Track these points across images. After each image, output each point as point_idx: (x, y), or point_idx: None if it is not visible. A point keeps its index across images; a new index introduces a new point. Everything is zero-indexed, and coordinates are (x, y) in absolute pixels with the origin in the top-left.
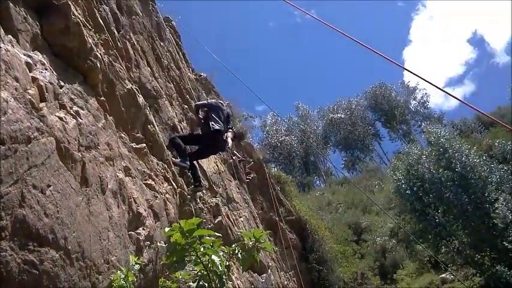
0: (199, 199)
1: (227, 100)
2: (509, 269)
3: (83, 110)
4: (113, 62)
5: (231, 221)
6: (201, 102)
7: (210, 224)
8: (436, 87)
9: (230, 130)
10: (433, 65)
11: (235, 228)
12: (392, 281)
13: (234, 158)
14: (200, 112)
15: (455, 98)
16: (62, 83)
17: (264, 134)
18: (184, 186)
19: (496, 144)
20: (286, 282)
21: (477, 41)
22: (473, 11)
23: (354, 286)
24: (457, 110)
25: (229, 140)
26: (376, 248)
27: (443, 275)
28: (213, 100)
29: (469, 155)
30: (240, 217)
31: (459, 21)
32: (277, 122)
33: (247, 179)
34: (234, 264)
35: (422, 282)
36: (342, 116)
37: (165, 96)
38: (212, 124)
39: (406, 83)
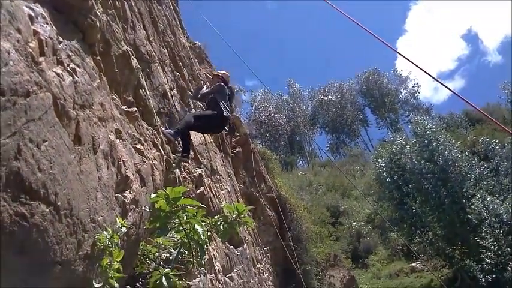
0: (184, 168)
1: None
2: (478, 263)
3: (79, 68)
4: (111, 22)
5: (212, 192)
6: (207, 90)
7: (192, 194)
8: (429, 75)
9: None
10: (426, 57)
11: (216, 200)
12: (364, 265)
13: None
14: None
15: (448, 88)
16: (61, 39)
17: (253, 109)
18: (171, 153)
19: (480, 141)
20: (260, 257)
21: (471, 38)
22: (470, 7)
23: (325, 267)
24: (445, 104)
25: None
26: (351, 232)
27: (413, 264)
28: (217, 84)
29: (452, 149)
30: (222, 190)
31: (455, 16)
32: (267, 99)
33: (232, 152)
34: (213, 235)
35: (392, 269)
36: (332, 99)
37: (158, 61)
38: (222, 110)
39: (398, 71)
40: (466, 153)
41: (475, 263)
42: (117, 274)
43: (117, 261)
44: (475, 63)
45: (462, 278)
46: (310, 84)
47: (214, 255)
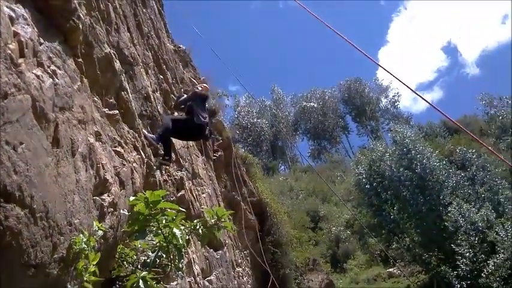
0: (165, 171)
1: (203, 76)
2: (453, 270)
3: (60, 70)
4: (94, 24)
5: (193, 196)
6: (182, 98)
7: (172, 197)
8: (408, 87)
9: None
10: (406, 68)
11: (197, 203)
12: (342, 269)
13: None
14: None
15: (426, 101)
16: (42, 40)
17: (236, 114)
18: (152, 156)
19: (458, 150)
20: (240, 261)
21: (450, 50)
22: (451, 20)
23: (304, 271)
24: (424, 114)
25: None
26: (330, 237)
27: (390, 269)
28: (191, 93)
29: (431, 158)
30: (203, 193)
31: (436, 28)
32: (250, 104)
33: (214, 156)
34: (192, 238)
35: (370, 274)
36: (315, 106)
37: (141, 64)
38: (196, 118)
39: (379, 80)
40: (444, 162)
41: (450, 269)
42: (93, 277)
43: (93, 265)
44: (453, 75)
45: (438, 283)
46: (293, 91)
47: (193, 258)
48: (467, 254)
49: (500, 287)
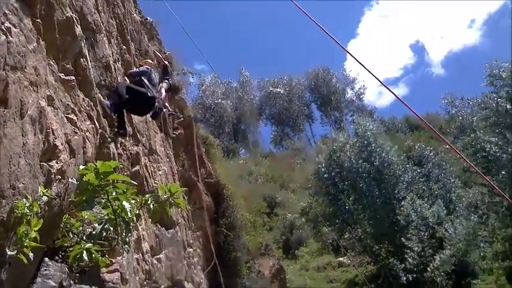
0: (120, 144)
1: (168, 51)
2: (401, 262)
3: (15, 28)
4: None
5: (149, 172)
6: (134, 71)
7: (126, 172)
8: (377, 79)
9: (166, 81)
10: (374, 62)
11: (152, 180)
12: (294, 256)
13: (164, 110)
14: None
15: (394, 94)
16: None
17: (200, 93)
18: (107, 128)
19: (416, 147)
20: (191, 241)
21: (418, 49)
22: (421, 19)
23: (256, 255)
24: (388, 109)
25: (163, 91)
26: (285, 223)
27: (341, 259)
28: (143, 67)
29: (389, 152)
30: (159, 170)
31: (406, 26)
32: (215, 84)
33: (173, 134)
34: (144, 214)
35: (320, 261)
36: (281, 92)
37: (104, 32)
38: (149, 91)
39: (347, 71)
40: (402, 157)
41: (398, 262)
42: (33, 243)
43: (35, 231)
44: (419, 73)
45: (385, 275)
46: (261, 75)
47: (143, 235)
48: (416, 248)
49: (444, 282)
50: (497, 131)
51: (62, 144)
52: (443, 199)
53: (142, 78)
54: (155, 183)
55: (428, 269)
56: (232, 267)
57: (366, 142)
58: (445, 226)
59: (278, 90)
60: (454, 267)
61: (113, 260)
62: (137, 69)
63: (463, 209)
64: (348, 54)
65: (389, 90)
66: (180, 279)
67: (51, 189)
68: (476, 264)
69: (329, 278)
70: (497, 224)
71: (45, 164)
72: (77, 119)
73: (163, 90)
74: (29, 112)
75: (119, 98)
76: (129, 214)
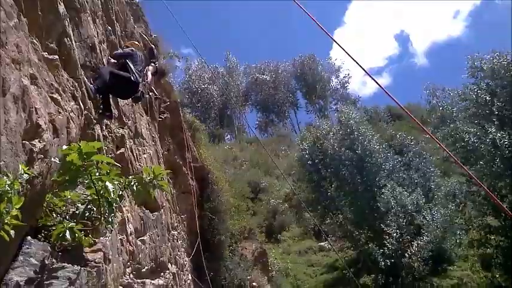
0: (105, 127)
1: (154, 34)
2: (380, 248)
3: None
4: None
5: (134, 155)
6: (119, 52)
7: (111, 154)
8: (363, 69)
9: (152, 65)
10: (359, 51)
11: (137, 163)
12: (276, 240)
13: (150, 94)
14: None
15: (376, 82)
16: None
17: (187, 77)
18: (93, 110)
19: (398, 136)
20: (176, 224)
21: (403, 39)
22: (406, 10)
23: (239, 239)
24: (372, 98)
25: (149, 74)
26: (268, 209)
27: (322, 243)
28: (128, 49)
29: (372, 140)
30: (144, 153)
31: (391, 16)
32: (202, 69)
33: (159, 117)
34: (128, 197)
35: (302, 246)
36: (267, 78)
37: (89, 11)
38: (133, 76)
39: (332, 60)
40: (384, 146)
41: (377, 247)
42: (15, 221)
43: (16, 209)
44: (403, 63)
45: (364, 260)
46: (248, 61)
47: (127, 217)
48: (395, 234)
49: (421, 267)
50: (476, 121)
51: (45, 123)
52: (423, 187)
53: (127, 61)
54: (140, 166)
55: (406, 254)
56: (215, 250)
57: (349, 130)
58: (424, 213)
59: (264, 77)
60: (431, 253)
61: (97, 240)
62: (122, 51)
63: (441, 197)
64: (334, 42)
65: (374, 80)
66: (163, 260)
67: (33, 168)
68: (452, 251)
69: (310, 262)
70: (473, 213)
71: (27, 142)
72: (61, 99)
73: (149, 74)
74: (11, 90)
75: (102, 82)
76: (112, 195)
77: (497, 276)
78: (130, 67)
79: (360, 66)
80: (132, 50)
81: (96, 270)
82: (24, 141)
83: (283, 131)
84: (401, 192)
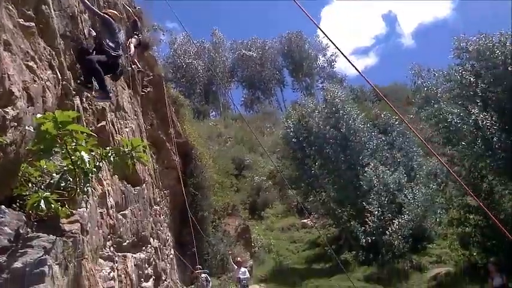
0: (86, 99)
1: (138, 6)
2: (361, 225)
3: None
4: None
5: (115, 128)
6: (96, 10)
7: (91, 127)
8: (341, 52)
9: (135, 37)
10: (346, 31)
11: (119, 136)
12: (260, 217)
13: (133, 66)
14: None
15: (354, 67)
16: None
17: (171, 51)
18: (72, 80)
19: (382, 115)
20: (158, 199)
21: (390, 19)
22: None
23: (222, 215)
24: (359, 77)
25: (132, 47)
26: (252, 186)
27: (305, 220)
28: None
29: (356, 119)
30: (126, 127)
31: None
32: (188, 44)
33: (142, 91)
34: (110, 170)
35: (285, 223)
36: (254, 55)
37: None
38: (112, 51)
39: (319, 38)
40: (368, 125)
41: (359, 225)
42: None
43: None
44: (390, 43)
45: (346, 237)
46: (234, 37)
47: (108, 190)
48: (376, 213)
49: (401, 245)
50: (460, 102)
51: (19, 91)
52: (405, 167)
53: (103, 42)
54: (122, 139)
55: (387, 232)
56: (198, 225)
57: (334, 109)
58: (405, 192)
59: (251, 53)
60: (411, 231)
61: (74, 212)
62: (97, 10)
63: (423, 176)
64: (323, 18)
65: (352, 65)
66: (145, 235)
67: (6, 135)
68: (432, 229)
69: (292, 238)
70: (454, 192)
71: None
72: (37, 67)
73: (132, 46)
74: None
75: (100, 80)
76: (88, 165)
77: (474, 254)
78: (105, 44)
79: (341, 52)
80: (108, 19)
81: (72, 240)
82: None
83: (269, 109)
84: (384, 171)
